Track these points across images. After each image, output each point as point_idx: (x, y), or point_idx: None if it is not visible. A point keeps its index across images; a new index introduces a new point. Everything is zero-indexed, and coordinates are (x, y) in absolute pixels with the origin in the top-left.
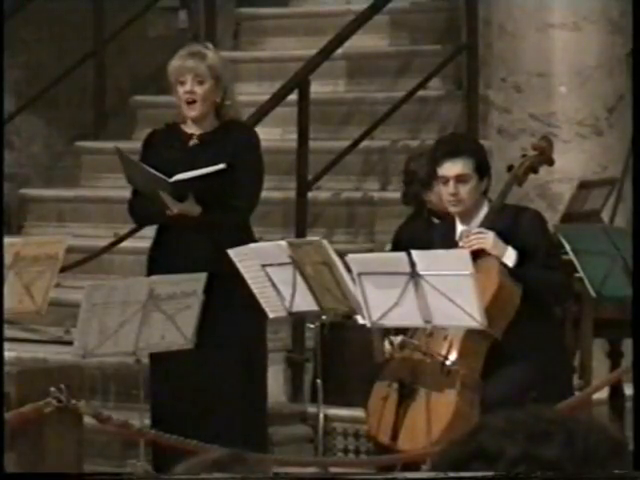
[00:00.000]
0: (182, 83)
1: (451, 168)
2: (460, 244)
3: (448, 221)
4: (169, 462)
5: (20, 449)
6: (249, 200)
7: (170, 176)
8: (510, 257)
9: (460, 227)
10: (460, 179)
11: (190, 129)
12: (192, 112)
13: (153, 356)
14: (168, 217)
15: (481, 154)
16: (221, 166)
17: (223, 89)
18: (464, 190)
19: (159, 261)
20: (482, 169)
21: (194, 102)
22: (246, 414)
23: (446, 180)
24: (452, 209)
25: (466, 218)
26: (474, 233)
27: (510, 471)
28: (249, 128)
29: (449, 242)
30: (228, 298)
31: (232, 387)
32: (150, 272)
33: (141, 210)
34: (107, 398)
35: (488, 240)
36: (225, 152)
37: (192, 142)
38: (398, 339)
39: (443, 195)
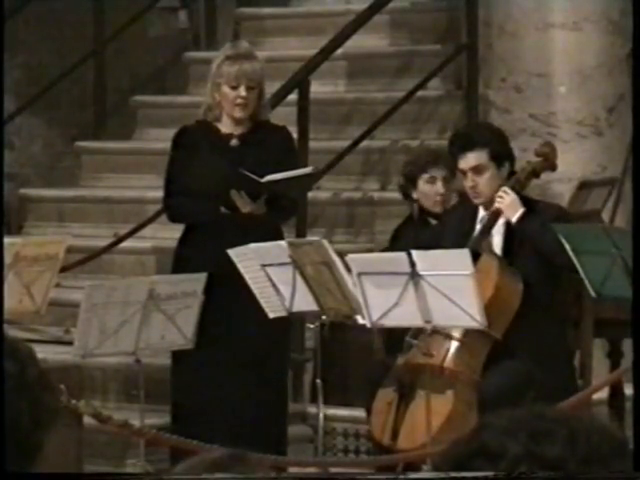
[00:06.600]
0: (234, 87)
1: (466, 161)
2: (479, 227)
3: (471, 206)
4: None
5: None
6: (294, 200)
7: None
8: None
9: (482, 212)
10: (476, 171)
11: (227, 128)
12: (241, 114)
13: (175, 354)
14: (220, 215)
15: (496, 142)
16: (308, 170)
17: (262, 90)
18: (482, 181)
19: (187, 259)
20: (499, 156)
21: (245, 105)
22: (268, 414)
23: (464, 173)
24: (475, 201)
25: (488, 204)
26: (498, 194)
27: (512, 470)
28: (286, 128)
29: (469, 226)
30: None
31: (254, 387)
32: (176, 270)
33: (189, 208)
34: (107, 398)
35: (504, 202)
36: (269, 153)
37: (233, 142)
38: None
39: (465, 188)
